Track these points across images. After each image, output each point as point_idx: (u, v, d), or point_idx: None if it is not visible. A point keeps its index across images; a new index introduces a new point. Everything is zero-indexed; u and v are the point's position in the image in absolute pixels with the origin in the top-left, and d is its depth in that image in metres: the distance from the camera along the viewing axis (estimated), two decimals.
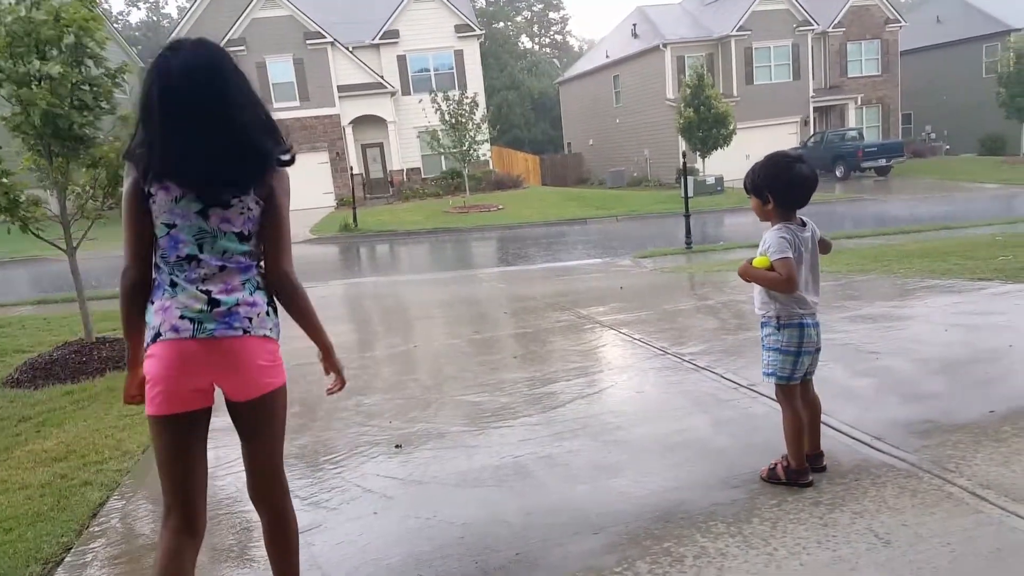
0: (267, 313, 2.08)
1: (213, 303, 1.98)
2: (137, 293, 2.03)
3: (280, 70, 29.88)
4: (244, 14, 29.06)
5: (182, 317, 1.96)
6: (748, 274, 2.97)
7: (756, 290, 3.05)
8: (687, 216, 14.40)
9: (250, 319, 2.02)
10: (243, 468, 2.19)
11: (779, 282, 2.87)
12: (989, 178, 27.45)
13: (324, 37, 29.76)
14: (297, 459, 3.89)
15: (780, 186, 2.92)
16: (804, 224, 2.99)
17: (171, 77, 1.91)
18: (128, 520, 3.38)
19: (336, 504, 3.29)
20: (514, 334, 6.88)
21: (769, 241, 2.92)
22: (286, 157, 2.07)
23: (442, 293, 10.47)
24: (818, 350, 3.05)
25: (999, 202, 21.09)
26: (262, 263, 2.12)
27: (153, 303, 2.01)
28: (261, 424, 2.12)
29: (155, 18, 65.82)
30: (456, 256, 17.40)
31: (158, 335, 1.98)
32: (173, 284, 2.00)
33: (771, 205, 2.95)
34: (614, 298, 8.44)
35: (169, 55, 1.95)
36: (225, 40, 28.65)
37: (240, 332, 2.00)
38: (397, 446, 3.95)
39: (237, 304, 2.01)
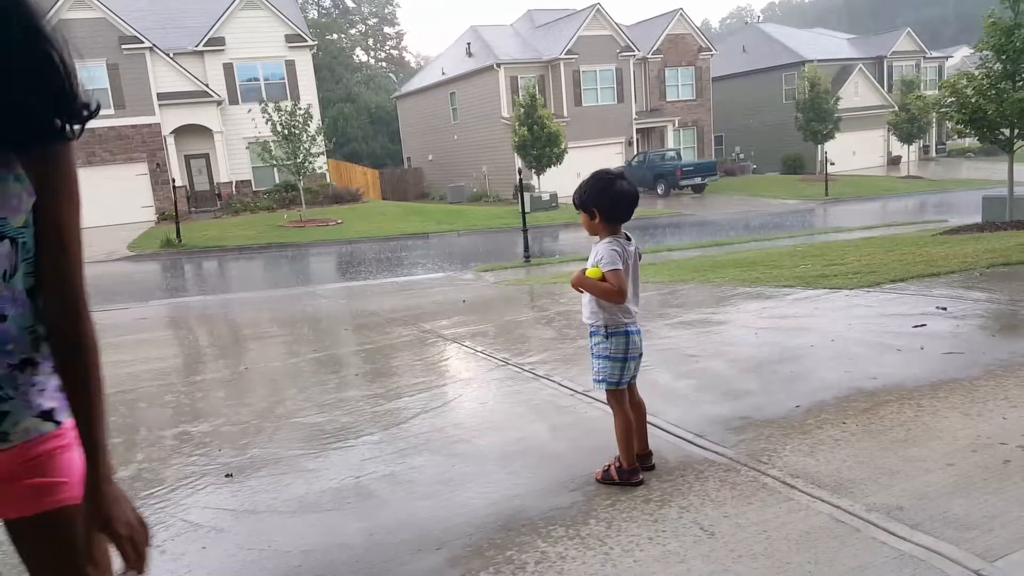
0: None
1: None
2: None
3: (91, 76, 27.57)
4: (50, 14, 26.55)
5: None
6: (582, 284, 3.09)
7: (584, 301, 3.18)
8: (525, 230, 14.80)
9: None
10: None
11: (611, 292, 3.01)
12: (790, 194, 30.43)
13: (142, 42, 27.86)
14: None
15: (605, 201, 3.08)
16: (629, 239, 3.16)
17: None
18: None
19: (159, 541, 3.04)
20: (356, 351, 6.72)
21: (601, 253, 3.06)
22: (77, 125, 1.27)
23: (277, 311, 10.05)
24: (640, 355, 3.23)
25: (798, 216, 23.39)
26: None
27: None
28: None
29: None
30: (293, 272, 16.79)
31: None
32: None
33: (598, 220, 3.10)
34: (457, 312, 8.49)
35: None
36: None
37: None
38: (227, 475, 3.72)
39: None
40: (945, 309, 5.94)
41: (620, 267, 3.01)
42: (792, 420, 3.81)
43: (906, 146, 38.56)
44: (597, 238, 3.16)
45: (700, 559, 2.58)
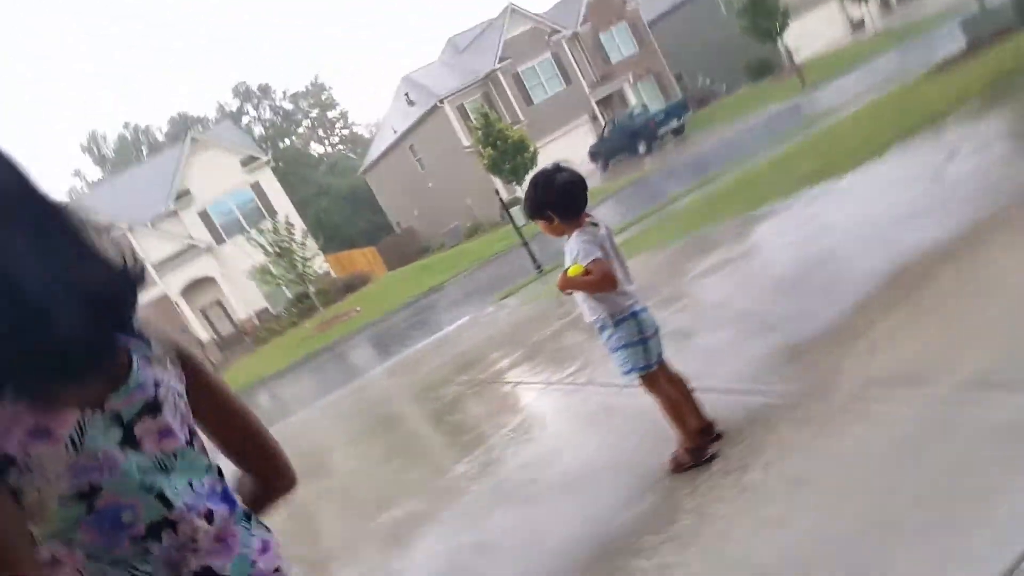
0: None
1: None
2: None
3: None
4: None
5: None
6: (569, 284, 2.92)
7: (580, 300, 3.00)
8: (526, 243, 14.62)
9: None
10: None
11: (600, 282, 2.84)
12: (768, 100, 29.88)
13: (117, 228, 28.48)
14: None
15: (554, 200, 2.92)
16: (596, 224, 2.98)
17: None
18: None
19: None
20: (396, 433, 6.60)
21: (575, 248, 2.89)
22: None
23: (332, 417, 9.97)
24: (657, 330, 3.02)
25: (784, 116, 22.89)
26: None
27: None
28: None
29: None
30: (337, 372, 16.79)
31: None
32: None
33: (556, 221, 2.93)
34: (490, 347, 8.33)
35: None
36: None
37: None
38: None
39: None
40: (959, 150, 5.64)
41: (599, 254, 2.83)
42: (842, 329, 3.56)
43: (863, 5, 37.62)
44: (566, 237, 2.98)
45: (803, 510, 2.37)
